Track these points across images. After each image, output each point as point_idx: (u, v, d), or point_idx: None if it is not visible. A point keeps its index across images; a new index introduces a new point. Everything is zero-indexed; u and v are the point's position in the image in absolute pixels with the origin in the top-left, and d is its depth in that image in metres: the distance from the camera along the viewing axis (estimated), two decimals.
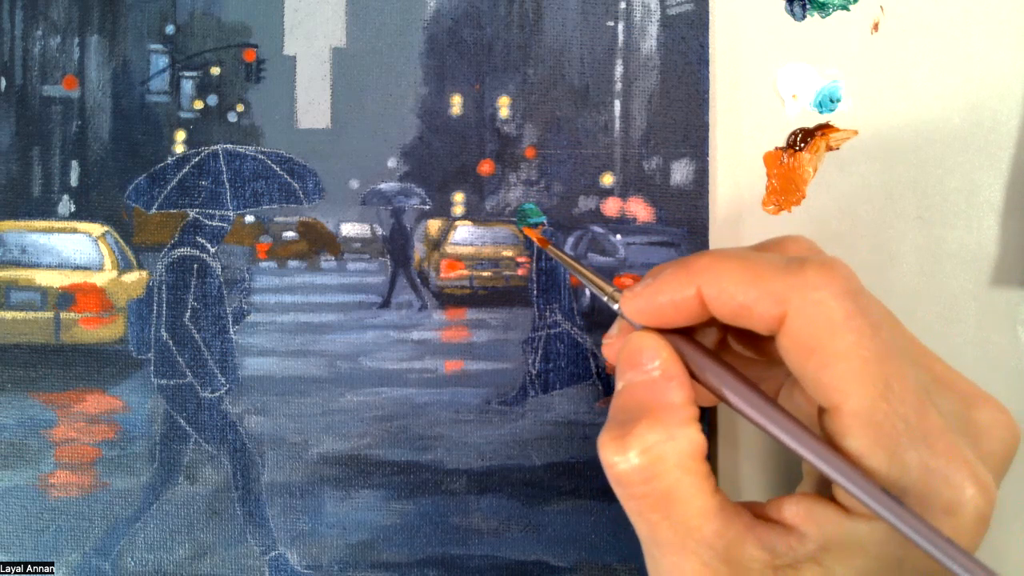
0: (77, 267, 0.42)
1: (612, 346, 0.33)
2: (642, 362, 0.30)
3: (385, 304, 0.43)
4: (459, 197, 0.43)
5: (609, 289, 0.33)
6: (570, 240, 0.43)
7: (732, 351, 0.34)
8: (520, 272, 0.44)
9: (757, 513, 0.29)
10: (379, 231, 0.43)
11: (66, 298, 0.42)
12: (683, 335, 0.31)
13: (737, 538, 0.28)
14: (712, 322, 0.32)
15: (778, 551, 0.28)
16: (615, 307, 0.33)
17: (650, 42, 0.43)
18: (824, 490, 0.29)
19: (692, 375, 0.30)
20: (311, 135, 0.43)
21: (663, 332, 0.31)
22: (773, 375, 0.34)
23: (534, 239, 0.40)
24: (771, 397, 0.29)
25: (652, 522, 0.29)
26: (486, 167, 0.43)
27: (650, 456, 0.28)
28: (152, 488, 0.41)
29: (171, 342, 0.42)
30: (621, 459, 0.28)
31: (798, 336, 0.28)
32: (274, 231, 0.43)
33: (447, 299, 0.44)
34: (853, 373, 0.27)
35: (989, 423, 0.29)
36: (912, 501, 0.26)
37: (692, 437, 0.29)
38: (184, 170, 0.42)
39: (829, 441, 0.28)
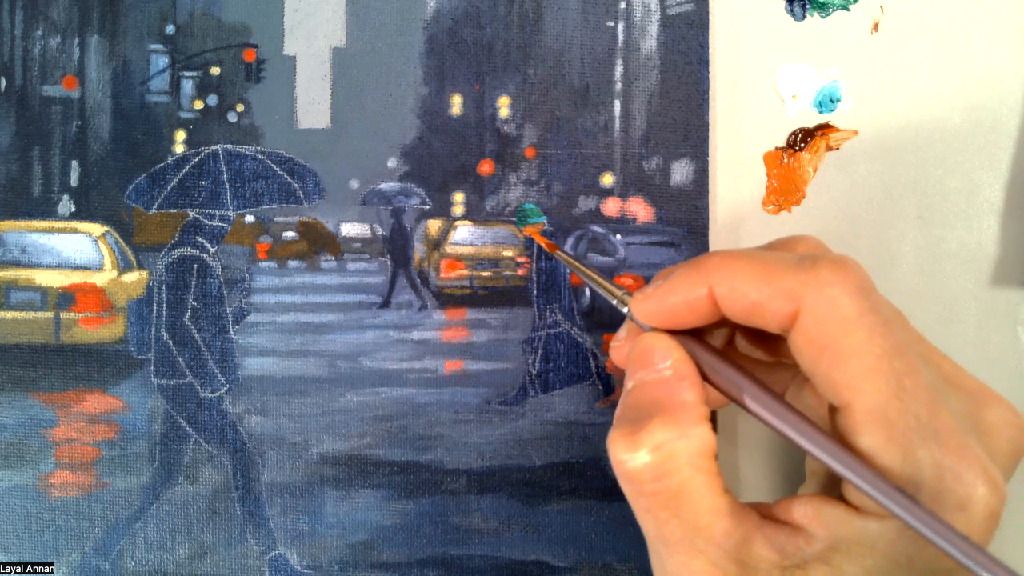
0: (77, 267, 0.42)
1: (620, 349, 0.33)
2: (654, 361, 0.30)
3: (385, 304, 0.43)
4: (459, 197, 0.43)
5: (618, 292, 0.33)
6: (570, 240, 0.43)
7: (738, 354, 0.34)
8: (520, 272, 0.44)
9: (764, 514, 0.29)
10: (379, 231, 0.43)
11: (66, 298, 0.42)
12: (693, 336, 0.31)
13: (746, 538, 0.28)
14: (718, 325, 0.32)
15: (787, 551, 0.28)
16: (624, 310, 0.33)
17: (650, 42, 0.43)
18: (831, 490, 0.29)
19: (703, 375, 0.30)
20: (311, 135, 0.43)
21: (673, 333, 0.31)
22: (779, 377, 0.34)
23: (543, 244, 0.40)
24: (782, 397, 0.29)
25: (661, 520, 0.29)
26: (486, 167, 0.43)
27: (662, 453, 0.28)
28: (152, 488, 0.41)
29: (171, 342, 0.42)
30: (631, 456, 0.28)
31: (810, 333, 0.28)
32: (274, 231, 0.43)
33: (447, 299, 0.44)
34: (866, 370, 0.27)
35: (998, 422, 0.29)
36: (924, 499, 0.26)
37: (704, 436, 0.29)
38: (184, 170, 0.42)
39: (841, 440, 0.28)
